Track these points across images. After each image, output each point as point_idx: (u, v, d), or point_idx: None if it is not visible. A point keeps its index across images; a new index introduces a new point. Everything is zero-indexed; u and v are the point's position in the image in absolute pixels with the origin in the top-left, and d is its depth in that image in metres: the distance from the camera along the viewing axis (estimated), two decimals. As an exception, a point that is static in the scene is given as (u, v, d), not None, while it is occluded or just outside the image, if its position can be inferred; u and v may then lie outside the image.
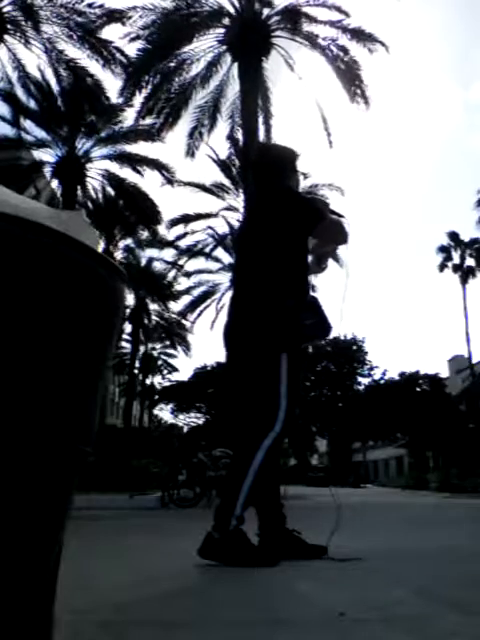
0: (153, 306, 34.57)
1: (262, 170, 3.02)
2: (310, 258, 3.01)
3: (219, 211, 22.59)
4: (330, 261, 3.24)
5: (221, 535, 2.42)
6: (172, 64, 15.81)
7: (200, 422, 33.70)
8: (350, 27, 15.53)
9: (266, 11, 15.74)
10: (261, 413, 2.61)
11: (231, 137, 16.92)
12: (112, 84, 16.98)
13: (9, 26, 15.36)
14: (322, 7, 15.50)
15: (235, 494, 2.47)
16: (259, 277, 2.72)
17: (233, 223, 21.98)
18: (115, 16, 15.19)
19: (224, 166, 20.92)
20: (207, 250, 24.55)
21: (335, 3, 15.37)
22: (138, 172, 19.59)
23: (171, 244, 24.27)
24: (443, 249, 39.45)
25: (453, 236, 39.42)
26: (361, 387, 40.92)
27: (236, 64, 15.76)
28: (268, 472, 2.57)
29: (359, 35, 15.55)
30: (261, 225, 2.82)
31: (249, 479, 2.47)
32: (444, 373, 45.90)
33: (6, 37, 15.41)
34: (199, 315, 27.46)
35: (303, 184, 21.81)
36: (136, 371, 38.43)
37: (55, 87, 17.16)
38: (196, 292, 27.29)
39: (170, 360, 46.85)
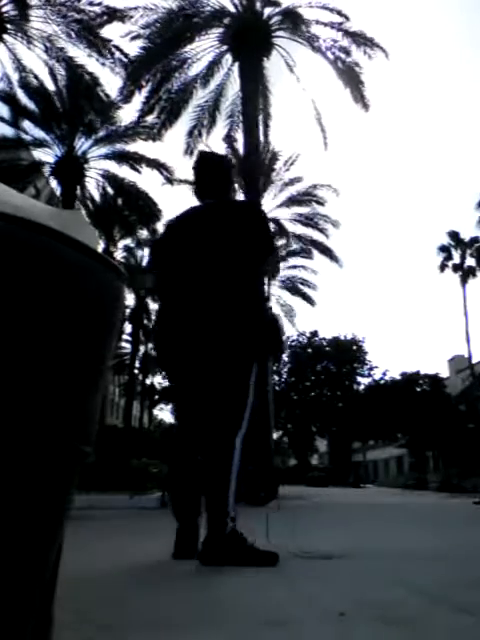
0: (153, 306, 34.58)
1: (220, 176, 2.96)
2: None
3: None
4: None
5: (218, 539, 2.42)
6: (173, 63, 15.80)
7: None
8: (350, 30, 15.55)
9: (267, 11, 15.75)
10: (230, 412, 2.59)
11: (228, 137, 16.88)
12: (111, 83, 17.00)
13: (9, 26, 15.35)
14: (323, 9, 15.53)
15: (223, 500, 2.46)
16: (240, 283, 2.68)
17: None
18: (116, 15, 15.16)
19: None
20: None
21: (336, 6, 15.42)
22: (137, 171, 19.58)
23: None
24: (443, 249, 39.39)
25: (453, 236, 39.35)
26: (361, 387, 40.91)
27: (237, 64, 15.76)
28: (244, 469, 2.58)
29: (359, 38, 15.56)
30: (240, 232, 2.73)
31: (233, 483, 2.47)
32: (444, 373, 45.98)
33: (6, 37, 15.40)
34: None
35: (303, 184, 22.02)
36: (136, 371, 38.41)
37: (54, 87, 17.17)
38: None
39: (170, 360, 46.78)
